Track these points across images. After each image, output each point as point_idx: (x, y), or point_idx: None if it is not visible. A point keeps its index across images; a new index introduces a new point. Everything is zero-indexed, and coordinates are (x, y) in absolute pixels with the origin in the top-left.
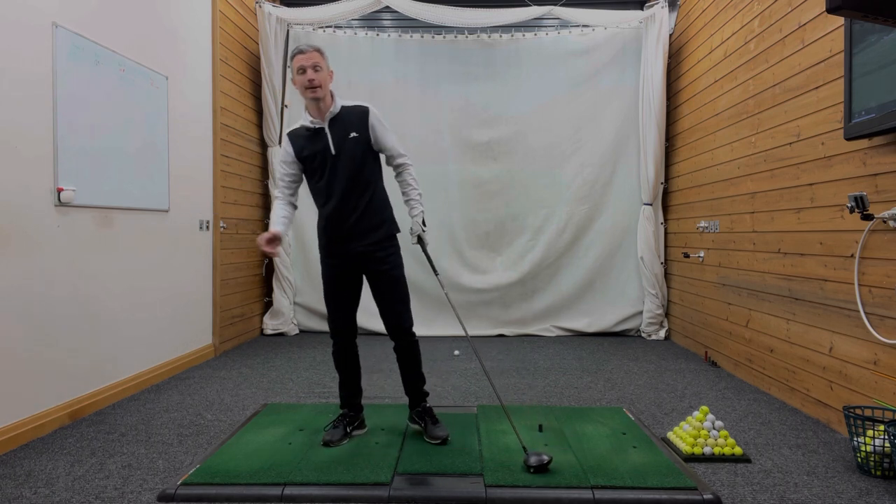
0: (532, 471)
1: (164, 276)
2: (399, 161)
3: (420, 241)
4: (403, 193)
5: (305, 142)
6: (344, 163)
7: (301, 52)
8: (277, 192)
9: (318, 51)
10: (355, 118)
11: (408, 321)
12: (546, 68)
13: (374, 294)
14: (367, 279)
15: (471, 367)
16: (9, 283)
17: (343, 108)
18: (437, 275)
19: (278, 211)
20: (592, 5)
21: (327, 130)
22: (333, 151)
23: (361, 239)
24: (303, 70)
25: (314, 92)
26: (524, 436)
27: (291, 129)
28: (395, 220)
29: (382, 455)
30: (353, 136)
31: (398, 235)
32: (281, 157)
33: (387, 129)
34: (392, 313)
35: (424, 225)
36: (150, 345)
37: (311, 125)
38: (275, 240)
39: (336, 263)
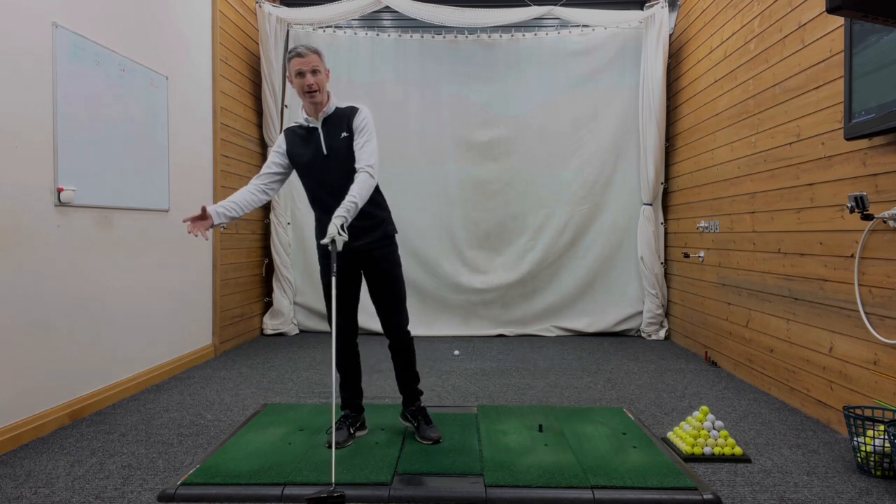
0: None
1: (164, 275)
2: (359, 166)
3: (332, 243)
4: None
5: (300, 140)
6: (335, 163)
7: (299, 55)
8: (253, 178)
9: (317, 52)
10: (346, 118)
11: (404, 319)
12: (546, 68)
13: (372, 292)
14: (366, 277)
15: (471, 367)
16: (9, 282)
17: (337, 108)
18: (333, 275)
19: (236, 194)
20: (592, 5)
21: (320, 130)
22: (325, 152)
23: (357, 240)
24: (301, 74)
25: (312, 97)
26: (524, 436)
27: (290, 125)
28: (393, 222)
29: (382, 455)
30: (345, 136)
31: (396, 236)
32: (274, 147)
33: (368, 132)
34: (388, 311)
35: (342, 231)
36: (150, 345)
37: (307, 123)
38: (200, 218)
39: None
